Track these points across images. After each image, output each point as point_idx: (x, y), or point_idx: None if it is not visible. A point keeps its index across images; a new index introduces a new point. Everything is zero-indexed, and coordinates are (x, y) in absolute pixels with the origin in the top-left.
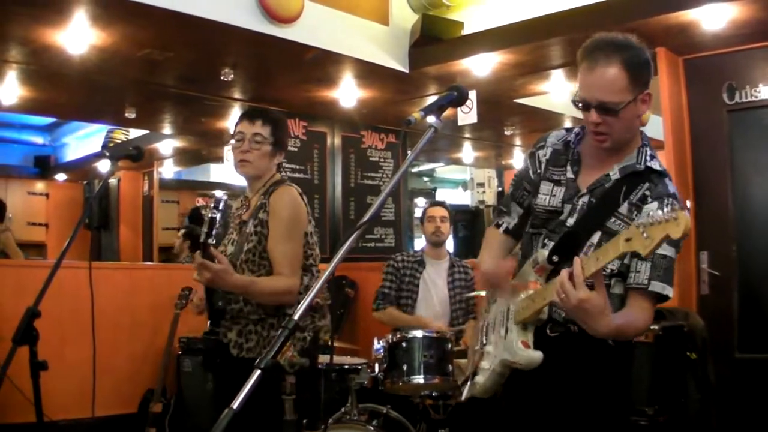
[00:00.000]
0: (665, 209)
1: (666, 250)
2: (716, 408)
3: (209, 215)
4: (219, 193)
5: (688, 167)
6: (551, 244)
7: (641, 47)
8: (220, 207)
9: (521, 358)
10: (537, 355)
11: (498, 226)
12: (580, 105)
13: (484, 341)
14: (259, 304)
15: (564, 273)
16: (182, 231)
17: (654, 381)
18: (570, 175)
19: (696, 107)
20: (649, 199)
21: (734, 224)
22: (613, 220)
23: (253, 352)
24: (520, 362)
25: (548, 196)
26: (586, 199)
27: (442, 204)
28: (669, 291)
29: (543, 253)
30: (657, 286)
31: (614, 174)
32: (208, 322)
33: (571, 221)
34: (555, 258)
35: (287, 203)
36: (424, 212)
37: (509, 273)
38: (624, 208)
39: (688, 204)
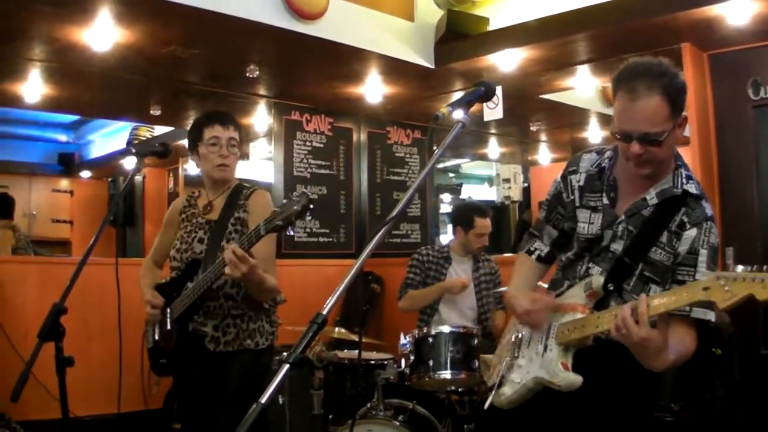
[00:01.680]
0: (703, 236)
1: (709, 275)
2: (741, 404)
3: (294, 207)
4: (307, 192)
5: (713, 163)
6: (596, 268)
7: (676, 72)
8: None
9: (562, 380)
10: (578, 380)
11: (530, 252)
12: (619, 136)
13: (516, 354)
14: (244, 300)
15: (627, 309)
16: None
17: (679, 377)
18: (606, 201)
19: (721, 103)
20: (688, 225)
21: (759, 219)
22: (654, 249)
23: (230, 345)
24: (559, 384)
25: (587, 224)
26: (624, 225)
27: (489, 213)
28: (711, 316)
29: (599, 280)
30: (699, 313)
31: (651, 198)
32: (161, 328)
33: (614, 246)
34: (610, 286)
35: (266, 205)
36: (470, 221)
37: (547, 309)
38: (664, 237)
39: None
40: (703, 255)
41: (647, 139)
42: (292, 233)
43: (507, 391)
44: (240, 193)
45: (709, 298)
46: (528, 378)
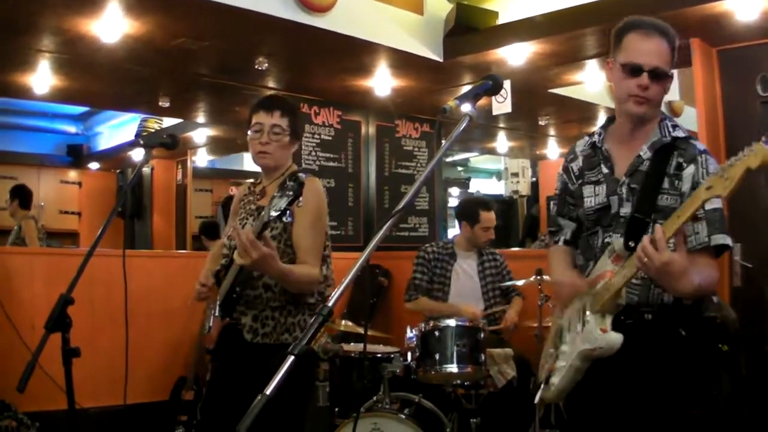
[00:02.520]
0: (701, 169)
1: (715, 203)
2: (747, 401)
3: (288, 192)
4: (302, 175)
5: (721, 158)
6: (612, 236)
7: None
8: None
9: (601, 342)
10: (617, 337)
11: (556, 241)
12: (626, 70)
13: (559, 343)
14: (282, 291)
15: (645, 238)
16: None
17: (686, 373)
18: (605, 170)
19: (730, 98)
20: (684, 164)
21: (767, 216)
22: (660, 197)
23: (269, 338)
24: (600, 346)
25: (592, 196)
26: (626, 186)
27: (493, 207)
28: (729, 240)
29: (619, 242)
30: (719, 239)
31: (645, 153)
32: (213, 314)
33: (623, 210)
34: (631, 243)
35: (315, 195)
36: (475, 215)
37: (585, 283)
38: (666, 183)
39: (764, 138)
40: None
41: (656, 73)
42: (289, 220)
43: (555, 380)
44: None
45: (714, 194)
46: (572, 357)
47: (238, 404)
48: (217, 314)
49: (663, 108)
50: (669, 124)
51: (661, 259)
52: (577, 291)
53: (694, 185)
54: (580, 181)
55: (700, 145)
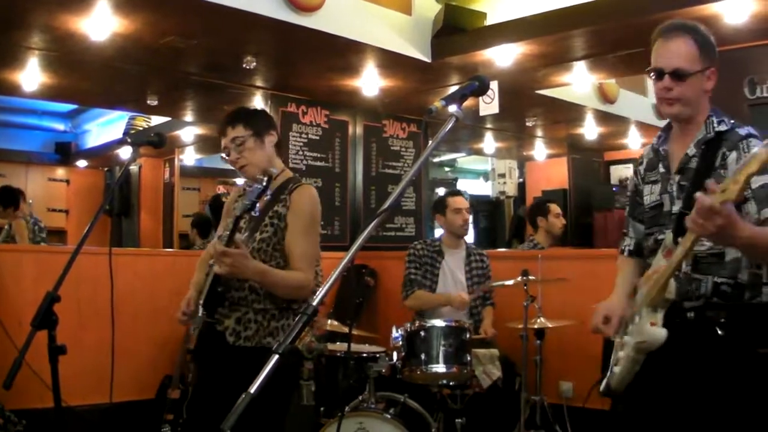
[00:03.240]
0: (743, 153)
1: (762, 180)
2: None
3: (257, 186)
4: (272, 169)
5: None
6: (664, 234)
7: (709, 33)
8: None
9: (646, 336)
10: (660, 332)
11: (622, 251)
12: (653, 75)
13: (621, 336)
14: (267, 294)
15: (695, 207)
16: (191, 220)
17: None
18: (662, 170)
19: (717, 101)
20: (727, 153)
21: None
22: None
23: (251, 341)
24: (645, 340)
25: (649, 195)
26: (676, 184)
27: (462, 194)
28: None
29: (669, 237)
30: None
31: (691, 151)
32: (200, 310)
33: (674, 208)
34: (680, 240)
35: (309, 201)
36: (443, 203)
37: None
38: (714, 176)
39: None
40: None
41: (677, 74)
42: (256, 213)
43: (617, 369)
44: (286, 187)
45: (725, 197)
46: (630, 348)
47: (221, 406)
48: (200, 314)
49: (651, 110)
50: (715, 119)
51: (713, 209)
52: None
53: None
54: (642, 183)
55: (743, 130)
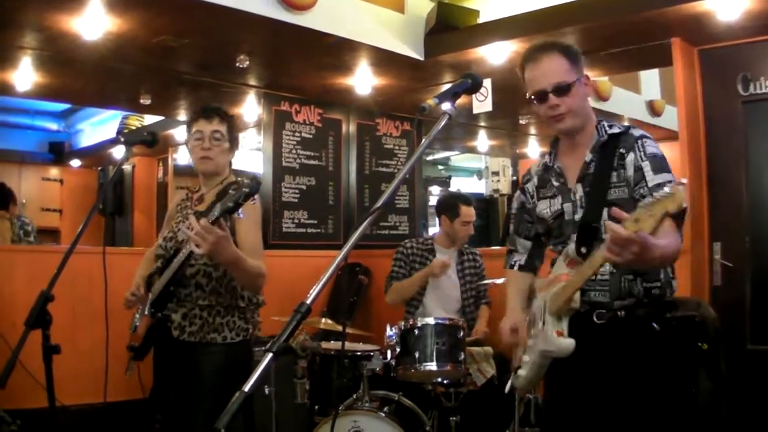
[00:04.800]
0: (639, 152)
1: (660, 178)
2: (727, 399)
3: (243, 189)
4: (257, 178)
5: (702, 158)
6: (572, 238)
7: (568, 43)
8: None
9: (553, 346)
10: (567, 343)
11: (512, 266)
12: (535, 99)
13: (528, 337)
14: (212, 291)
15: (609, 237)
16: None
17: (665, 371)
18: (557, 184)
19: (711, 98)
20: (625, 154)
21: (748, 215)
22: (610, 191)
23: (194, 336)
24: (552, 350)
25: (548, 207)
26: (580, 191)
27: (473, 202)
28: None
29: (571, 247)
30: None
31: (588, 157)
32: (141, 313)
33: (577, 216)
34: (583, 249)
35: (253, 206)
36: (455, 209)
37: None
38: (614, 177)
39: (684, 180)
40: (646, 165)
41: (560, 88)
42: (241, 216)
43: (523, 372)
44: (229, 188)
45: (639, 228)
46: (535, 354)
47: (184, 403)
48: (146, 312)
49: (644, 108)
50: (605, 124)
51: (623, 237)
52: (513, 338)
53: (637, 168)
54: (534, 200)
55: (638, 131)
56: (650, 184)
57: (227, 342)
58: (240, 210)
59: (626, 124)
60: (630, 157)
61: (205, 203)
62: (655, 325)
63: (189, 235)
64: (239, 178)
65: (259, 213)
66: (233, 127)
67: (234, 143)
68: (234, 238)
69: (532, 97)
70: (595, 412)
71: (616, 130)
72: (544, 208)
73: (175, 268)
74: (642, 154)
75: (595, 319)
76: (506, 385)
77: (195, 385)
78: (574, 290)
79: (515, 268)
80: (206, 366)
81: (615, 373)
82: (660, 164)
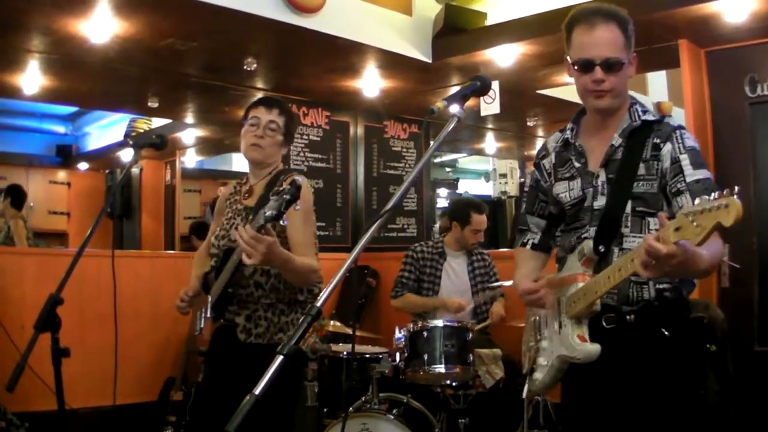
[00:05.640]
0: (677, 144)
1: (700, 173)
2: (735, 400)
3: (285, 196)
4: (298, 178)
5: (709, 159)
6: (589, 231)
7: (627, 15)
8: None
9: (579, 353)
10: (595, 349)
11: (524, 244)
12: (578, 67)
13: (538, 337)
14: (272, 289)
15: (649, 238)
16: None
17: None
18: (578, 165)
19: (718, 99)
20: (661, 144)
21: (755, 217)
22: (636, 183)
23: (262, 338)
24: (578, 357)
25: (567, 191)
26: (603, 177)
27: (486, 210)
28: None
29: (588, 244)
30: None
31: (616, 141)
32: (204, 315)
33: (597, 203)
34: (601, 248)
35: (303, 192)
36: (467, 217)
37: (548, 286)
38: (642, 169)
39: (737, 189)
40: (685, 159)
41: (609, 64)
42: (285, 223)
43: (538, 376)
44: (278, 179)
45: (683, 238)
46: (553, 358)
47: (231, 405)
48: (208, 315)
49: (651, 109)
50: (639, 109)
51: (664, 252)
52: (534, 300)
53: (674, 160)
54: (551, 179)
55: (674, 121)
56: (688, 180)
57: None
58: (284, 217)
59: (658, 115)
60: (667, 148)
61: (254, 196)
62: (664, 331)
63: (240, 246)
64: (289, 174)
65: (310, 206)
66: (291, 122)
67: (288, 139)
68: (284, 234)
69: (574, 64)
70: (606, 417)
71: (650, 117)
72: (563, 192)
73: (231, 269)
74: (680, 146)
75: (603, 323)
76: (523, 390)
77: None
78: (598, 295)
79: (528, 246)
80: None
81: (624, 379)
82: (699, 159)
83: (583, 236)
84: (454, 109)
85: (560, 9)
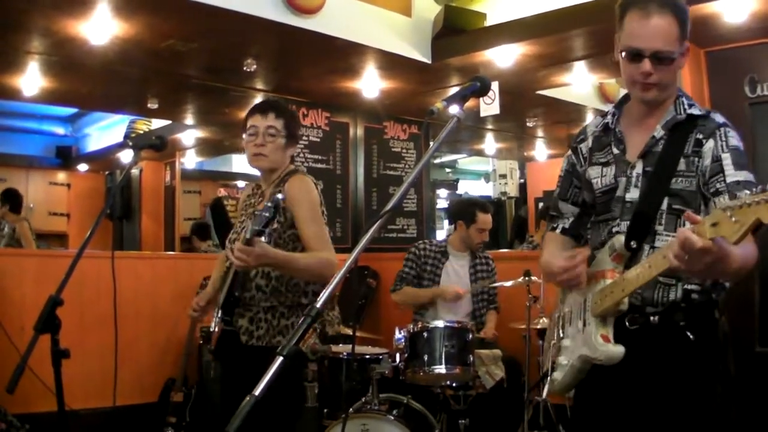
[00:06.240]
0: (720, 142)
1: (741, 175)
2: (736, 401)
3: (264, 214)
4: (279, 195)
5: None
6: (620, 225)
7: (684, 2)
8: (278, 207)
9: (601, 354)
10: (618, 351)
11: (554, 228)
12: (629, 56)
13: (561, 334)
14: (273, 291)
15: (678, 244)
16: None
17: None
18: (616, 151)
19: (718, 100)
20: (704, 141)
21: None
22: (675, 180)
23: (262, 340)
24: (600, 358)
25: (599, 177)
26: (639, 168)
27: (491, 210)
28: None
29: (620, 239)
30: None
31: (658, 133)
32: (219, 312)
33: (629, 195)
34: (633, 244)
35: (301, 189)
36: (473, 216)
37: (584, 262)
38: (682, 164)
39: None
40: (727, 158)
41: (659, 57)
42: (265, 240)
43: (558, 375)
44: (285, 180)
45: (719, 234)
46: (574, 358)
47: (233, 406)
48: (218, 317)
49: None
50: (685, 101)
51: (699, 247)
52: (572, 277)
53: (715, 158)
54: (586, 164)
55: (720, 117)
56: (729, 180)
57: None
58: (265, 234)
59: (704, 109)
60: (709, 145)
61: (266, 199)
62: (689, 335)
63: (231, 260)
64: (294, 175)
65: (315, 201)
66: (291, 121)
67: (291, 138)
68: (291, 227)
69: (623, 50)
70: (621, 422)
71: (696, 111)
72: (595, 177)
73: (232, 274)
74: (724, 144)
75: (626, 323)
76: (543, 391)
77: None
78: (626, 293)
79: (558, 230)
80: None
81: (643, 382)
82: (741, 160)
83: (614, 230)
84: (454, 109)
85: (559, 9)
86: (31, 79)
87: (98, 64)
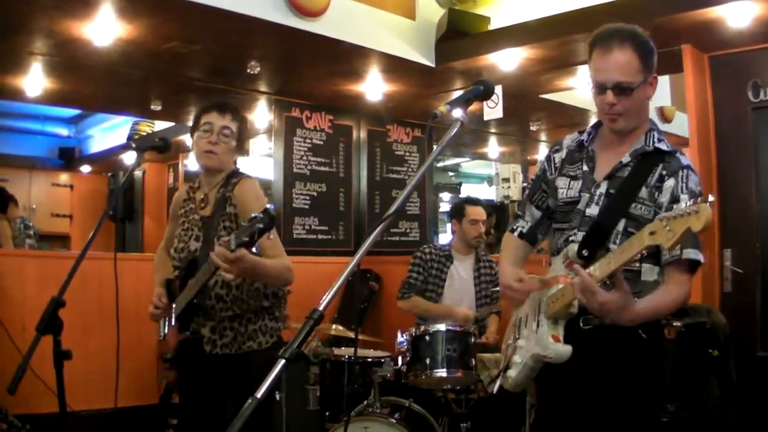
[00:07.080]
0: (686, 201)
1: None
2: (737, 405)
3: (258, 225)
4: (271, 206)
5: (712, 164)
6: (577, 235)
7: (647, 36)
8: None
9: (551, 352)
10: (566, 350)
11: (513, 231)
12: (595, 89)
13: (517, 335)
14: (234, 301)
15: (577, 283)
16: None
17: (676, 378)
18: (585, 168)
19: (721, 104)
20: (666, 177)
21: (758, 222)
22: (635, 205)
23: (229, 348)
24: (550, 356)
25: (565, 189)
26: (603, 188)
27: (482, 204)
28: (701, 256)
29: (573, 248)
30: (690, 253)
31: (626, 159)
32: (169, 322)
33: (590, 211)
34: (585, 252)
35: (251, 194)
36: (461, 210)
37: (527, 292)
38: (644, 193)
39: (710, 198)
40: (684, 199)
41: (620, 88)
42: (255, 251)
43: (512, 373)
44: (229, 182)
45: (656, 242)
46: (527, 356)
47: (202, 414)
48: (173, 324)
49: (653, 113)
50: (656, 135)
51: (597, 301)
52: (514, 298)
53: (673, 199)
54: (557, 173)
55: (686, 159)
56: None
57: (263, 348)
58: (257, 245)
59: (671, 146)
60: (670, 183)
61: (209, 205)
62: (641, 333)
63: (218, 265)
64: (240, 177)
65: (257, 209)
66: (244, 128)
67: (241, 145)
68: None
69: (592, 83)
70: (579, 418)
71: (664, 147)
72: (562, 187)
73: (200, 285)
74: (684, 185)
75: (581, 324)
76: (494, 386)
77: (227, 396)
78: (573, 298)
79: (516, 233)
80: (254, 374)
81: (598, 380)
82: None
83: (570, 239)
84: (457, 113)
85: (563, 14)
86: (34, 80)
87: (101, 66)
